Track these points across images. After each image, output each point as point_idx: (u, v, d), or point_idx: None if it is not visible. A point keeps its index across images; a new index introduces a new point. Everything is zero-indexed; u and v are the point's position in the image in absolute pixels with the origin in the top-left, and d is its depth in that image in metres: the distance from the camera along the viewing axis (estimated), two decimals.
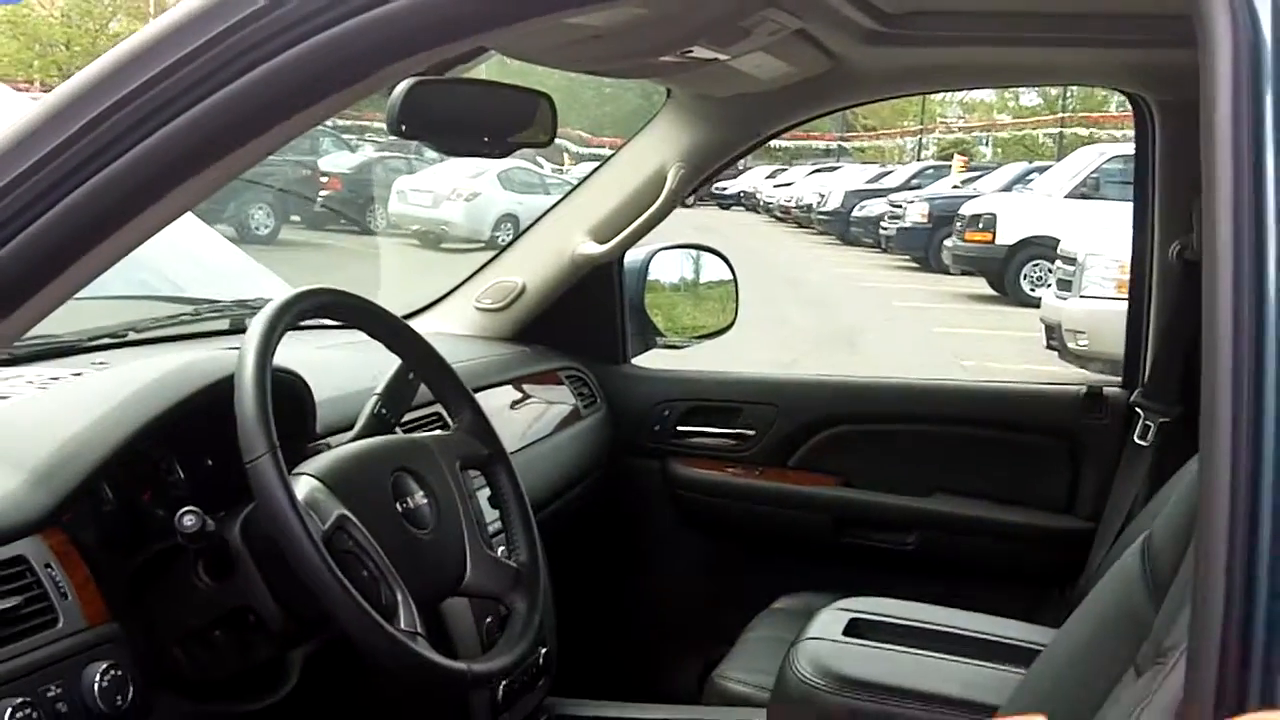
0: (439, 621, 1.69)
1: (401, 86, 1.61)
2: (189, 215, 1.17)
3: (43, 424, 1.48)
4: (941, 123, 38.26)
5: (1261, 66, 0.81)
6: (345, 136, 18.76)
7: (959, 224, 14.87)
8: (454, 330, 2.55)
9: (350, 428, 1.66)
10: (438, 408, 1.88)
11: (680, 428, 2.67)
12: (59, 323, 1.67)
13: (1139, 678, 1.18)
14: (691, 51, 1.77)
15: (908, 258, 17.84)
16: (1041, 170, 17.16)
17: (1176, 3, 0.87)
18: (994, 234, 14.23)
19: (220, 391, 1.44)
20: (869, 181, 23.10)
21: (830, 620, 1.93)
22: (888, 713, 1.71)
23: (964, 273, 15.05)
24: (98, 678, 1.27)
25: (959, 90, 28.53)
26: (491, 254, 2.72)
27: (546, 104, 1.82)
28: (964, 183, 19.50)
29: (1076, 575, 2.28)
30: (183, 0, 1.02)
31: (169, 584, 1.42)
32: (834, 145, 37.64)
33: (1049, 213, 13.58)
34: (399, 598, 1.36)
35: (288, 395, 1.54)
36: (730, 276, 2.86)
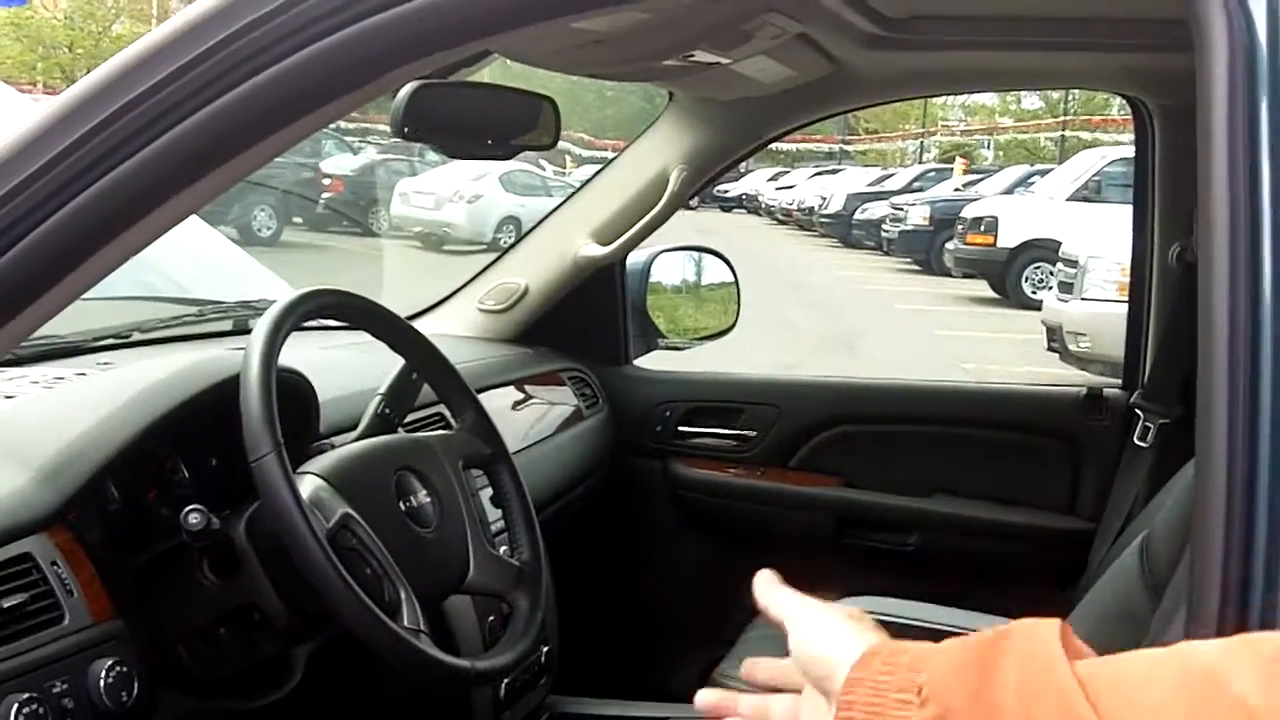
0: (442, 620, 1.70)
1: (406, 89, 1.62)
2: (193, 217, 1.18)
3: (49, 423, 1.49)
4: (943, 126, 38.26)
5: (1256, 71, 0.82)
6: (348, 139, 18.78)
7: (961, 227, 14.89)
8: (457, 331, 2.56)
9: (354, 427, 1.67)
10: (440, 408, 1.88)
11: (682, 428, 2.68)
12: (64, 323, 1.68)
13: None
14: (693, 55, 1.78)
15: (909, 260, 17.85)
16: (1043, 173, 17.19)
17: (1174, 7, 0.88)
18: (996, 237, 14.24)
19: (225, 391, 1.45)
20: (871, 184, 23.12)
21: None
22: None
23: (966, 275, 15.06)
24: (103, 674, 1.28)
25: (960, 94, 28.57)
26: (493, 256, 2.73)
27: (550, 107, 1.83)
28: (966, 186, 19.51)
29: (1077, 575, 2.29)
30: (191, 5, 1.04)
31: (174, 582, 1.43)
32: (836, 148, 37.65)
33: (1050, 216, 13.60)
34: (402, 595, 1.37)
35: (292, 395, 1.55)
36: (732, 278, 2.87)
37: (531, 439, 2.32)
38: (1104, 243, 8.41)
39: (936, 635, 0.80)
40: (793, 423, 2.63)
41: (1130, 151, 2.62)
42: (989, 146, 35.65)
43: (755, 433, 2.64)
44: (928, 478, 2.58)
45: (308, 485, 1.38)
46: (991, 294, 14.40)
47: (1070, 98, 30.31)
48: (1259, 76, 0.81)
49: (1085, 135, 27.79)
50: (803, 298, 13.89)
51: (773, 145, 2.74)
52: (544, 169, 20.81)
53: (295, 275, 2.47)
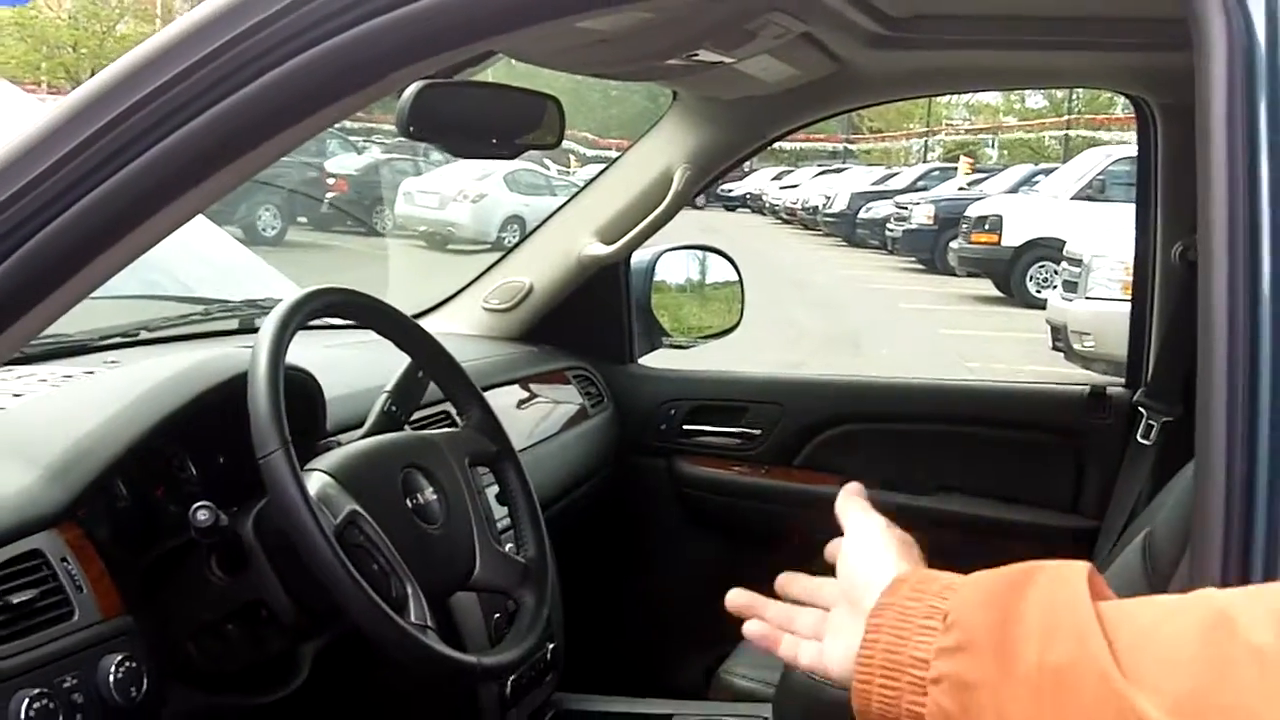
0: (448, 616, 1.71)
1: (411, 89, 1.63)
2: (199, 216, 1.19)
3: (57, 421, 1.50)
4: (947, 125, 38.23)
5: (1255, 70, 0.82)
6: (352, 138, 18.78)
7: (965, 226, 14.88)
8: (462, 330, 2.57)
9: (360, 425, 1.67)
10: (446, 406, 1.89)
11: (686, 427, 2.68)
12: (72, 322, 1.69)
13: None
14: (697, 55, 1.78)
15: (914, 259, 17.84)
16: (1047, 172, 17.18)
17: (1173, 7, 0.89)
18: (1000, 236, 14.24)
19: (232, 389, 1.46)
20: (875, 183, 23.11)
21: None
22: None
23: (970, 274, 15.06)
24: (113, 669, 1.29)
25: (963, 93, 28.53)
26: (498, 255, 2.74)
27: (554, 106, 1.84)
28: (970, 185, 19.51)
29: None
30: (198, 5, 1.04)
31: (182, 578, 1.44)
32: (840, 147, 37.62)
33: (1055, 214, 13.60)
34: (409, 591, 1.38)
35: (299, 393, 1.55)
36: (736, 277, 2.88)
37: (537, 437, 2.33)
38: (1108, 242, 8.41)
39: None
40: (797, 421, 2.63)
41: (1134, 150, 2.62)
42: (993, 145, 35.62)
43: (760, 431, 2.65)
44: (931, 476, 2.59)
45: (315, 482, 1.39)
46: (996, 293, 14.39)
47: (1074, 97, 30.28)
48: (1257, 75, 0.82)
49: (1089, 134, 27.77)
50: (807, 297, 13.89)
51: (777, 144, 2.75)
52: (548, 168, 20.81)
53: (300, 275, 2.48)
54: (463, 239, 16.82)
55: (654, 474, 2.68)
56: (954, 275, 15.54)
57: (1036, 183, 16.41)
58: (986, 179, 19.39)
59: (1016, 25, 2.03)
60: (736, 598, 0.99)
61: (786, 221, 26.54)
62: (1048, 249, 13.09)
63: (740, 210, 29.83)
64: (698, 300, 2.96)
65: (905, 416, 2.65)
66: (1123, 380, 2.57)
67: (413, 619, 1.37)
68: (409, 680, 1.72)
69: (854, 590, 0.89)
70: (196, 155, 1.02)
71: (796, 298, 13.28)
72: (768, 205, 28.87)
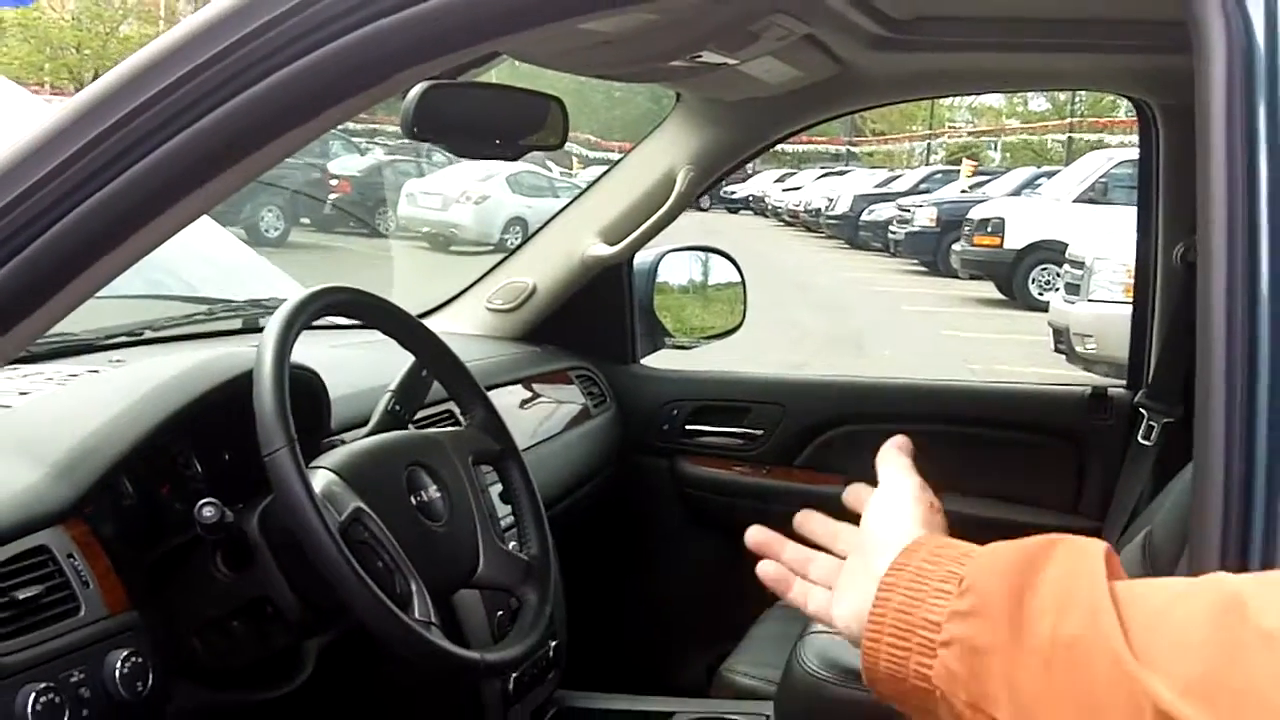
0: (451, 614, 1.72)
1: (416, 90, 1.64)
2: (204, 217, 1.20)
3: (63, 419, 1.51)
4: (950, 127, 38.22)
5: (1254, 72, 0.83)
6: (355, 139, 18.80)
7: (967, 228, 14.88)
8: (465, 330, 2.58)
9: (364, 424, 1.68)
10: (450, 405, 1.90)
11: (688, 427, 2.69)
12: (76, 321, 1.70)
13: None
14: (700, 56, 1.79)
15: (916, 262, 17.84)
16: (1050, 175, 17.17)
17: (1174, 9, 0.89)
18: (1002, 238, 14.24)
19: (237, 387, 1.47)
20: (877, 186, 23.11)
21: None
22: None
23: (972, 277, 15.06)
24: (119, 664, 1.30)
25: (966, 95, 28.50)
26: (500, 257, 2.75)
27: (557, 107, 1.85)
28: (972, 187, 19.50)
29: None
30: (203, 7, 1.05)
31: (188, 575, 1.45)
32: (842, 149, 37.63)
33: (1057, 217, 13.60)
34: (413, 588, 1.39)
35: (304, 391, 1.56)
36: (738, 278, 2.88)
37: (539, 437, 2.33)
38: (1110, 244, 8.41)
39: None
40: (799, 422, 2.64)
41: (1136, 153, 2.63)
42: (996, 148, 35.62)
43: (761, 431, 2.66)
44: (933, 476, 2.57)
45: (320, 479, 1.40)
46: (998, 295, 14.39)
47: (1077, 100, 30.29)
48: (1257, 77, 0.82)
49: (1092, 137, 27.77)
50: (810, 299, 13.89)
51: (779, 147, 2.76)
52: (551, 170, 20.83)
53: (304, 276, 2.49)
54: (465, 240, 16.83)
55: (656, 474, 2.69)
56: (956, 278, 15.54)
57: (1039, 185, 16.41)
58: (989, 181, 19.38)
59: (1018, 27, 2.04)
60: (756, 534, 0.99)
61: (789, 224, 26.54)
62: (1050, 252, 13.08)
63: (743, 212, 29.83)
64: (700, 301, 2.97)
65: (907, 417, 2.66)
66: (1124, 382, 2.57)
67: (417, 615, 1.37)
68: (413, 676, 1.73)
69: (870, 547, 0.89)
70: (202, 156, 1.02)
71: (799, 299, 13.29)
72: (770, 207, 28.86)
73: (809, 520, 1.00)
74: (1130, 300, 2.60)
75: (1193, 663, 0.67)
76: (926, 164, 31.22)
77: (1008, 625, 0.74)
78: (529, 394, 2.44)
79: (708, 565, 2.66)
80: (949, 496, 2.95)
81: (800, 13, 1.72)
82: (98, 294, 1.10)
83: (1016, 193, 16.51)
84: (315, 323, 1.52)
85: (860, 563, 0.89)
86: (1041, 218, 14.09)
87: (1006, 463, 2.57)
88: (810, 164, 33.26)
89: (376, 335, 1.69)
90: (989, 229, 14.39)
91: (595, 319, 2.68)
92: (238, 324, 2.27)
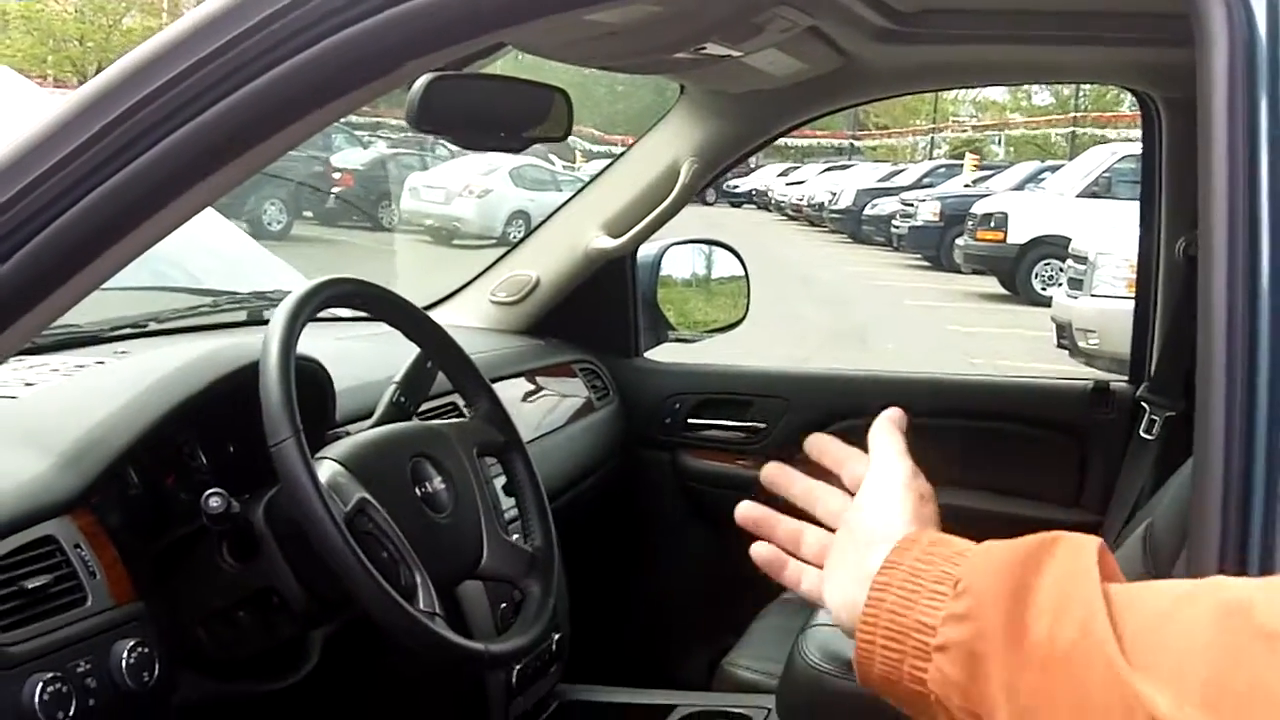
0: (455, 605, 1.72)
1: (421, 82, 1.64)
2: (209, 209, 1.20)
3: (69, 410, 1.51)
4: (954, 121, 38.19)
5: (1256, 64, 0.83)
6: (358, 133, 18.79)
7: (971, 223, 14.87)
8: (469, 323, 2.58)
9: (368, 417, 1.68)
10: (454, 398, 1.91)
11: (691, 420, 2.69)
12: (81, 313, 1.70)
13: None
14: (705, 48, 1.79)
15: (919, 256, 17.83)
16: (1053, 169, 17.15)
17: (1176, 2, 0.89)
18: (1005, 233, 14.23)
19: (243, 378, 1.47)
20: (881, 180, 23.07)
21: None
22: None
23: (975, 271, 15.05)
24: (125, 654, 1.31)
25: (970, 88, 28.43)
26: (502, 251, 2.75)
27: (561, 99, 1.85)
28: (976, 182, 19.50)
29: None
30: (206, 0, 1.05)
31: (194, 565, 1.45)
32: (846, 143, 37.59)
33: (1061, 212, 13.59)
34: (418, 579, 1.39)
35: (309, 382, 1.56)
36: (742, 272, 2.88)
37: (543, 429, 2.34)
38: (1113, 239, 8.40)
39: None
40: (801, 415, 2.64)
41: (1140, 148, 2.63)
42: (999, 142, 35.58)
43: (764, 425, 2.66)
44: (935, 470, 2.58)
45: (325, 470, 1.40)
46: (1001, 290, 14.38)
47: (1081, 94, 30.25)
48: (1258, 70, 0.82)
49: (1095, 131, 27.73)
50: (813, 293, 13.89)
51: (782, 140, 2.77)
52: (554, 164, 20.81)
53: (306, 269, 2.49)
54: (468, 234, 16.83)
55: (659, 467, 2.70)
56: (959, 272, 15.54)
57: (1042, 180, 16.40)
58: (992, 176, 19.38)
59: (1022, 20, 2.04)
60: (746, 510, 0.98)
61: (792, 218, 26.51)
62: (1053, 246, 13.07)
63: (746, 206, 29.81)
64: (703, 295, 2.97)
65: (909, 411, 2.65)
66: (1126, 376, 2.58)
67: (421, 606, 1.38)
68: (417, 667, 1.74)
69: (861, 538, 0.87)
70: (205, 150, 1.03)
71: (802, 294, 13.28)
72: (773, 201, 28.84)
73: (820, 444, 0.99)
74: (1133, 295, 2.61)
75: (1195, 669, 0.66)
76: (930, 158, 31.17)
77: (1004, 630, 0.73)
78: (532, 387, 2.45)
79: (710, 559, 2.66)
80: (951, 490, 2.96)
81: (804, 5, 1.73)
82: (103, 286, 1.11)
83: (1020, 187, 16.50)
84: (319, 314, 1.53)
85: (851, 553, 0.88)
86: (1044, 213, 14.08)
87: (1009, 456, 2.57)
88: (814, 158, 33.22)
89: (380, 328, 1.69)
90: (992, 224, 14.38)
91: (599, 312, 2.68)
92: (242, 316, 2.27)
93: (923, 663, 0.77)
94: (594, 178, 2.77)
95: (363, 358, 1.97)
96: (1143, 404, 2.38)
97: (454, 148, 17.26)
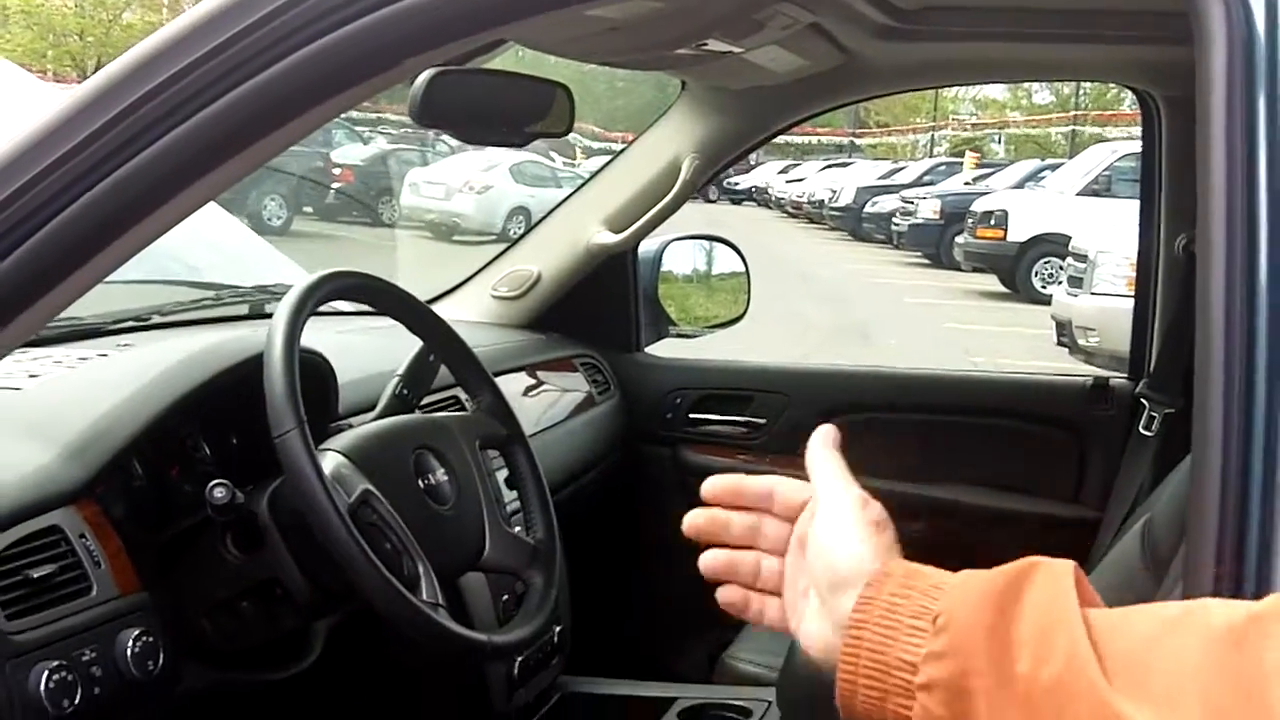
0: (457, 596, 1.73)
1: (424, 77, 1.64)
2: (211, 204, 1.21)
3: (73, 401, 1.52)
4: (954, 119, 38.17)
5: (1255, 62, 0.83)
6: (359, 128, 18.77)
7: (971, 221, 14.87)
8: (470, 317, 2.58)
9: (371, 409, 1.69)
10: (456, 391, 1.91)
11: (692, 415, 2.70)
12: (84, 306, 1.71)
13: None
14: (706, 44, 1.80)
15: (919, 254, 17.83)
16: (1054, 168, 17.15)
17: (1175, 0, 0.90)
18: (1005, 231, 14.23)
19: (246, 371, 1.48)
20: (881, 178, 23.07)
21: None
22: None
23: (975, 269, 15.05)
24: (130, 644, 1.32)
25: (970, 85, 28.39)
26: (503, 247, 2.75)
27: (563, 94, 1.85)
28: (976, 180, 19.50)
29: (1083, 562, 2.30)
30: None
31: (198, 556, 1.46)
32: (846, 141, 37.58)
33: (1061, 210, 13.58)
34: (421, 570, 1.40)
35: (312, 375, 1.57)
36: (742, 268, 2.89)
37: (544, 424, 2.35)
38: (1114, 237, 8.40)
39: None
40: (802, 411, 2.65)
41: (1140, 146, 2.63)
42: (1000, 141, 35.58)
43: (765, 420, 2.67)
44: (935, 466, 2.60)
45: (329, 462, 1.41)
46: (1001, 288, 14.38)
47: (1081, 92, 30.24)
48: (1257, 68, 0.82)
49: (1096, 130, 27.73)
50: (813, 291, 13.89)
51: (783, 138, 2.77)
52: (554, 160, 20.81)
53: (307, 264, 2.50)
54: (468, 230, 16.82)
55: (659, 462, 2.70)
56: (959, 270, 15.53)
57: (1042, 178, 16.40)
58: (992, 174, 19.37)
59: (1023, 18, 2.05)
60: (694, 521, 0.93)
61: (792, 215, 26.51)
62: (1053, 244, 13.07)
63: (746, 203, 29.80)
64: (704, 290, 2.98)
65: (909, 407, 2.67)
66: (1125, 372, 2.58)
67: (424, 597, 1.39)
68: (420, 658, 1.75)
69: (825, 582, 0.84)
70: (206, 145, 1.03)
71: (802, 291, 13.28)
72: (774, 199, 28.83)
73: (731, 486, 0.93)
74: (1133, 293, 2.61)
75: (1188, 694, 0.65)
76: (930, 156, 31.16)
77: (987, 665, 0.72)
78: (533, 381, 2.46)
79: None
80: (951, 485, 2.96)
81: (806, 2, 1.73)
82: (106, 279, 1.11)
83: (1020, 185, 16.50)
84: (322, 308, 1.53)
85: (816, 598, 0.85)
86: (1045, 211, 14.08)
87: (1008, 452, 2.58)
88: (814, 155, 33.23)
89: (382, 321, 1.70)
90: (992, 222, 14.38)
91: (600, 307, 2.69)
92: (244, 309, 2.28)
93: (907, 700, 0.75)
94: (595, 173, 2.78)
95: (365, 351, 1.98)
96: (1142, 400, 2.38)
97: (454, 143, 17.26)
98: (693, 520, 0.94)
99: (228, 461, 1.57)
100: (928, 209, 17.49)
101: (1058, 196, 14.22)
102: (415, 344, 1.71)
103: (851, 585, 0.81)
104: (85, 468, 1.39)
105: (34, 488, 1.34)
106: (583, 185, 2.74)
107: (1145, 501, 2.00)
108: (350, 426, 1.60)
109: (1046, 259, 13.73)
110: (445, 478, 1.54)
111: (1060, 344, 9.15)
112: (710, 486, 0.94)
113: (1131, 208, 2.74)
